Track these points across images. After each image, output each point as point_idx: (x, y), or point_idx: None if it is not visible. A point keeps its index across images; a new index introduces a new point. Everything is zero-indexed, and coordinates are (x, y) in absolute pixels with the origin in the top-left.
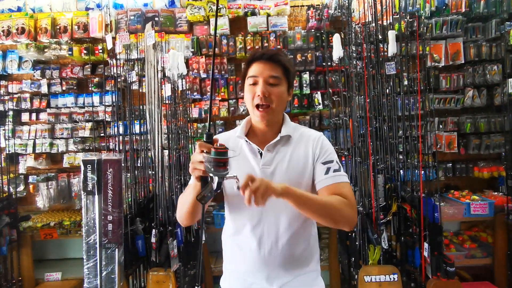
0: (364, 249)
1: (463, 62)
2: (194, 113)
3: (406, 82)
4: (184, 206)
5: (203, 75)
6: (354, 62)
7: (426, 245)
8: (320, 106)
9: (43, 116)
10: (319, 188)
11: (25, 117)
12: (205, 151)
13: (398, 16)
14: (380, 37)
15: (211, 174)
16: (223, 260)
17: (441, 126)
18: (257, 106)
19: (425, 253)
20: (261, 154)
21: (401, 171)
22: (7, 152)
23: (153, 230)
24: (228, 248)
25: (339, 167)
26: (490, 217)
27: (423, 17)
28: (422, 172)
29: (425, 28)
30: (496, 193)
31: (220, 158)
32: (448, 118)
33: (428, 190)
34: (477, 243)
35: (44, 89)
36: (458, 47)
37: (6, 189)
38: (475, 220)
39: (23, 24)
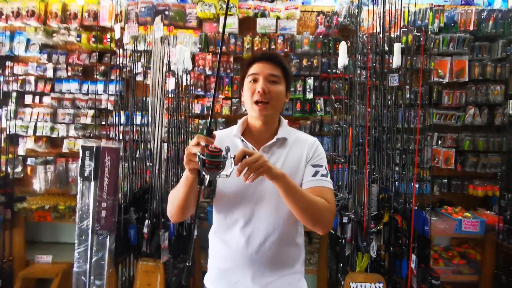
0: (353, 256)
1: (467, 80)
2: (197, 109)
3: (408, 95)
4: (176, 201)
5: (209, 72)
6: (359, 71)
7: (414, 256)
8: (322, 112)
9: (46, 100)
10: (304, 188)
11: (28, 99)
12: (198, 152)
13: (406, 29)
14: (386, 48)
15: (203, 172)
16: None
17: (440, 142)
18: (256, 102)
19: (412, 265)
20: None
21: (396, 183)
22: (8, 132)
23: (146, 221)
24: (215, 246)
25: (327, 173)
26: (480, 235)
27: (430, 32)
28: (417, 185)
29: (432, 43)
30: (488, 212)
31: (213, 161)
32: (447, 134)
33: (420, 203)
34: (466, 259)
35: (49, 73)
36: (463, 65)
37: (4, 169)
38: (465, 237)
39: (33, 7)
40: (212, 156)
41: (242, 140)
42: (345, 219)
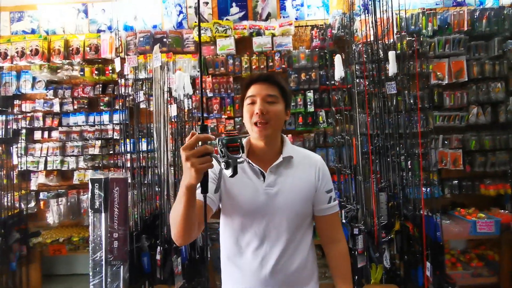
0: (366, 268)
1: (466, 79)
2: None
3: (407, 100)
4: (177, 222)
5: (210, 94)
6: (357, 81)
7: (428, 264)
8: (324, 124)
9: (54, 134)
10: (321, 215)
11: (37, 135)
12: (219, 139)
13: (399, 35)
14: (382, 55)
15: (223, 161)
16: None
17: (446, 142)
18: (256, 124)
19: (428, 273)
20: (263, 175)
21: (406, 189)
22: (19, 169)
23: (158, 247)
24: (228, 270)
25: (334, 192)
26: (496, 235)
27: (424, 36)
28: (426, 189)
29: (428, 46)
30: (502, 211)
31: (235, 143)
32: (452, 135)
33: (431, 208)
34: (484, 261)
35: (56, 108)
36: (461, 65)
37: (17, 205)
38: (482, 238)
39: (37, 45)
40: (233, 139)
41: (248, 162)
42: (355, 231)
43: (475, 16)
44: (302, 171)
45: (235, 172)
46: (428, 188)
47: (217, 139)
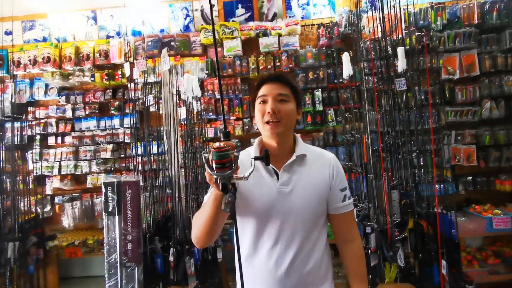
0: (380, 267)
1: (478, 73)
2: (210, 132)
3: (418, 96)
4: (201, 224)
5: (218, 96)
6: (366, 78)
7: (443, 262)
8: (334, 123)
9: (68, 139)
10: (335, 213)
11: (51, 140)
12: (204, 153)
13: (407, 31)
14: (390, 52)
15: (215, 176)
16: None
17: (458, 138)
18: (267, 122)
19: (443, 271)
20: (276, 174)
21: (419, 186)
22: (35, 174)
23: (171, 249)
24: (242, 270)
25: (348, 191)
26: None
27: (432, 31)
28: (439, 186)
29: (437, 41)
30: None
31: (220, 157)
32: (465, 130)
33: (445, 205)
34: (501, 258)
35: (68, 114)
36: (472, 59)
37: (33, 209)
38: (498, 235)
39: (48, 53)
40: (218, 153)
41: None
42: (368, 229)
43: (485, 9)
44: (316, 169)
45: (225, 191)
46: (442, 185)
47: (203, 156)
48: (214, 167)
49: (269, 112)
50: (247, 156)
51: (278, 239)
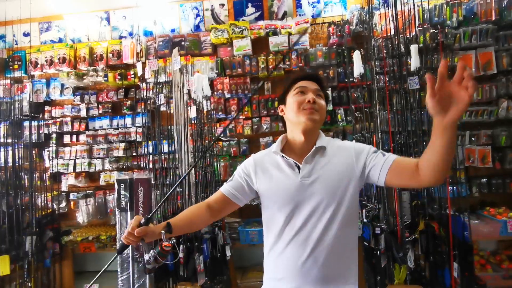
0: (389, 268)
1: (495, 72)
2: (219, 132)
3: None
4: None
5: (227, 95)
6: (377, 77)
7: (455, 265)
8: (343, 122)
9: (82, 138)
10: (389, 165)
11: (66, 139)
12: (153, 251)
13: (421, 28)
14: (403, 50)
15: (152, 255)
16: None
17: (473, 139)
18: (306, 109)
19: (455, 274)
20: (298, 167)
21: (431, 188)
22: (51, 171)
23: (181, 246)
24: (268, 262)
25: (382, 151)
26: None
27: (447, 28)
28: (452, 188)
29: (453, 38)
30: None
31: (162, 257)
32: (481, 131)
33: (458, 207)
34: None
35: (83, 113)
36: (489, 57)
37: (50, 205)
38: None
39: (64, 54)
40: (163, 254)
41: (283, 156)
42: (377, 230)
43: (503, 5)
44: (337, 158)
45: (120, 251)
46: (455, 187)
47: (151, 251)
48: (153, 258)
49: (309, 101)
50: (268, 153)
51: (301, 230)
